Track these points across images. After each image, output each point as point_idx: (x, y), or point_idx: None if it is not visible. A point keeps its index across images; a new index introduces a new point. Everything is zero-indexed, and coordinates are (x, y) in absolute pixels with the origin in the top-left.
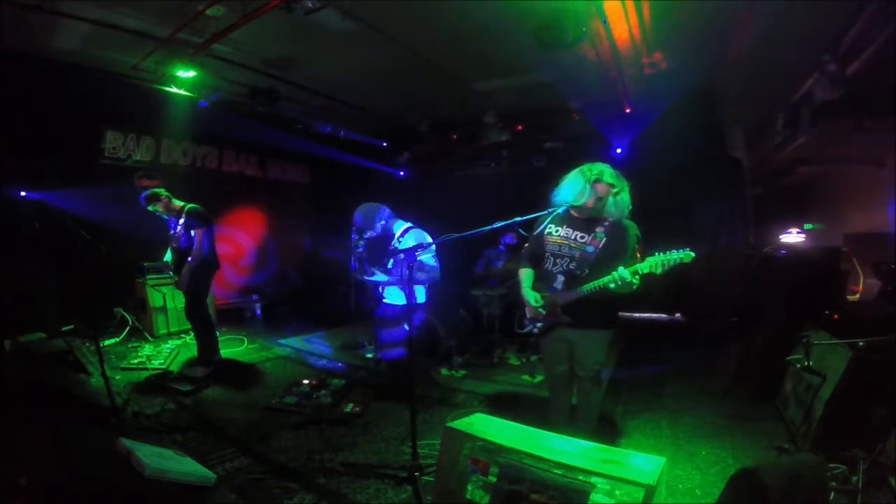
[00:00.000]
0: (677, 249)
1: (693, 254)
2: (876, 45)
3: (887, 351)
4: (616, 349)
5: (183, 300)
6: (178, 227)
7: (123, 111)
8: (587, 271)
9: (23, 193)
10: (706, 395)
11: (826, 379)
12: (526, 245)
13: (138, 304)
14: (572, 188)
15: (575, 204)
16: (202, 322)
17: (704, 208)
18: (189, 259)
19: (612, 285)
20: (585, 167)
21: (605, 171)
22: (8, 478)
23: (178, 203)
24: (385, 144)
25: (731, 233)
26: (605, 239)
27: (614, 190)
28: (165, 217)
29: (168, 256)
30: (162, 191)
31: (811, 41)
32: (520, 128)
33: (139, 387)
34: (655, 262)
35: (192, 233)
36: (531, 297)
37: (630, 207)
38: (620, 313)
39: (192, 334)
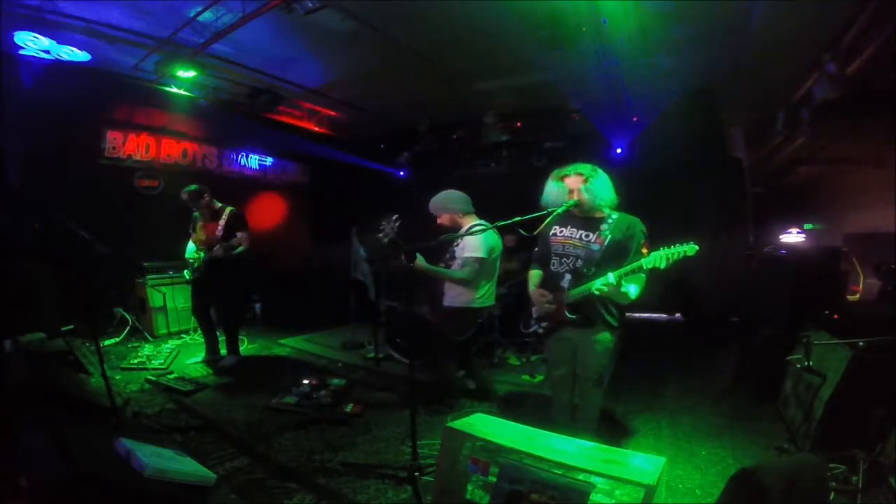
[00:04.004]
0: (680, 243)
1: (697, 247)
2: (876, 45)
3: (887, 351)
4: (617, 351)
5: (184, 300)
6: (219, 228)
7: (123, 111)
8: (593, 269)
9: (23, 193)
10: (706, 395)
11: (826, 379)
12: (535, 249)
13: (138, 304)
14: (549, 191)
15: (570, 205)
16: (237, 317)
17: (704, 208)
18: (226, 257)
19: (597, 291)
20: (556, 170)
21: (573, 166)
22: (8, 478)
23: (217, 203)
24: (383, 146)
25: (731, 233)
26: (610, 236)
27: (584, 177)
28: (198, 215)
29: (191, 254)
30: (205, 188)
31: (811, 41)
32: (518, 125)
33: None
34: (659, 257)
35: (238, 234)
36: (536, 296)
37: (609, 195)
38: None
39: (202, 329)
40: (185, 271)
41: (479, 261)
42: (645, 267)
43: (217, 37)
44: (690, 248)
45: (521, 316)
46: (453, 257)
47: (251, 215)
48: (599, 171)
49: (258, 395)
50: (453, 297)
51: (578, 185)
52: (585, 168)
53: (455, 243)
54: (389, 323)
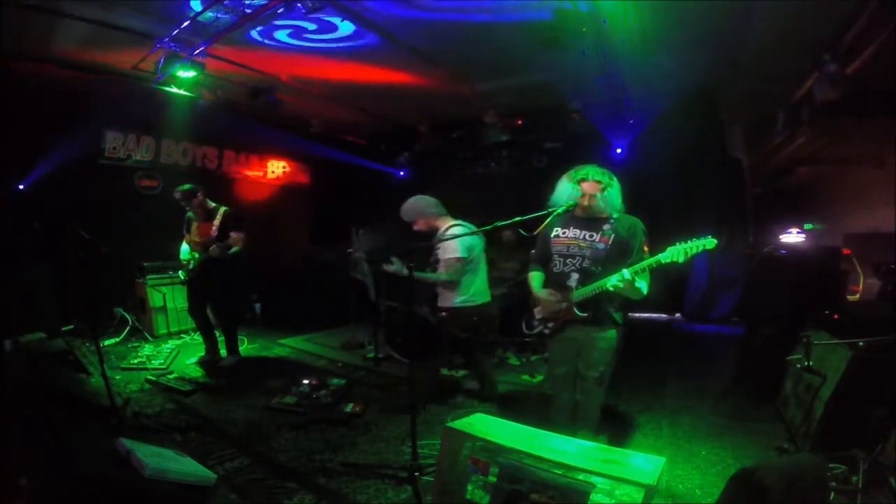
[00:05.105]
0: (698, 237)
1: (715, 240)
2: (876, 45)
3: (887, 351)
4: (619, 349)
5: (183, 300)
6: (213, 228)
7: (123, 111)
8: (600, 268)
9: (22, 193)
10: (706, 395)
11: (826, 379)
12: (533, 251)
13: (138, 304)
14: (562, 192)
15: (570, 205)
16: (234, 317)
17: (704, 208)
18: (222, 257)
19: (612, 287)
20: (572, 170)
21: (591, 170)
22: (8, 478)
23: (211, 203)
24: (383, 146)
25: (731, 233)
26: (613, 235)
27: (601, 185)
28: (191, 215)
29: (184, 253)
30: (199, 188)
31: (811, 41)
32: (519, 122)
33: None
34: (677, 251)
35: (232, 234)
36: (545, 296)
37: (619, 202)
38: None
39: (199, 330)
40: (180, 272)
41: (459, 261)
42: (663, 261)
43: (217, 37)
44: (709, 242)
45: (521, 316)
46: (437, 260)
47: (251, 215)
48: (614, 178)
49: (258, 395)
50: (444, 298)
51: (595, 191)
52: (604, 176)
53: (437, 247)
54: (389, 323)
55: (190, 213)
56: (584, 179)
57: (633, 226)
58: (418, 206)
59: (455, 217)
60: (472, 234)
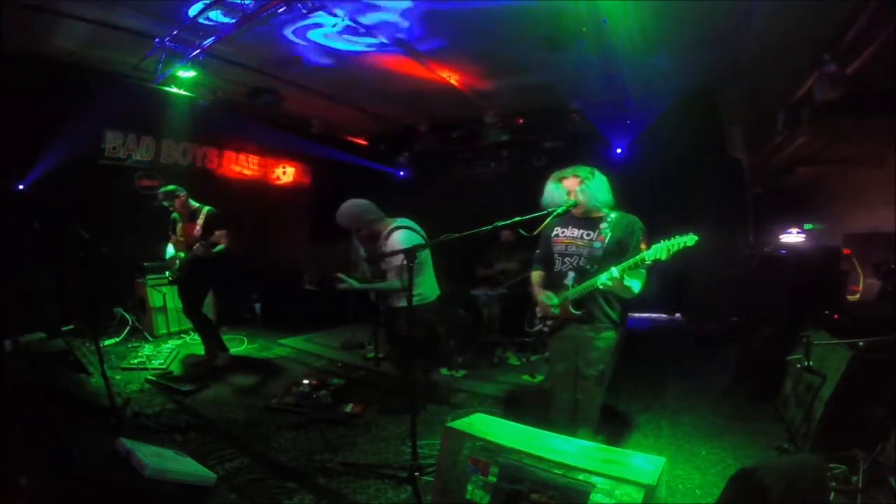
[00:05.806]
0: (680, 234)
1: (696, 237)
2: (876, 45)
3: (887, 351)
4: (619, 349)
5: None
6: (197, 228)
7: (123, 111)
8: (596, 267)
9: (22, 193)
10: (706, 395)
11: (826, 379)
12: (536, 251)
13: (138, 304)
14: (548, 192)
15: (570, 205)
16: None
17: (704, 208)
18: (206, 255)
19: (601, 286)
20: (556, 171)
21: (571, 169)
22: (8, 478)
23: (194, 203)
24: (383, 146)
25: (731, 233)
26: (610, 234)
27: (580, 179)
28: (176, 215)
29: (170, 253)
30: (181, 189)
31: (811, 41)
32: (520, 122)
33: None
34: (660, 249)
35: (216, 233)
36: (544, 295)
37: (605, 196)
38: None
39: (198, 330)
40: (168, 272)
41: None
42: (647, 259)
43: (217, 37)
44: (690, 239)
45: (521, 316)
46: (388, 265)
47: (251, 215)
48: (597, 173)
49: (258, 395)
50: (397, 300)
51: (576, 186)
52: (583, 171)
53: (382, 251)
54: (389, 323)
55: (175, 214)
56: (564, 177)
57: (631, 224)
58: (354, 213)
59: (395, 217)
60: (422, 247)
